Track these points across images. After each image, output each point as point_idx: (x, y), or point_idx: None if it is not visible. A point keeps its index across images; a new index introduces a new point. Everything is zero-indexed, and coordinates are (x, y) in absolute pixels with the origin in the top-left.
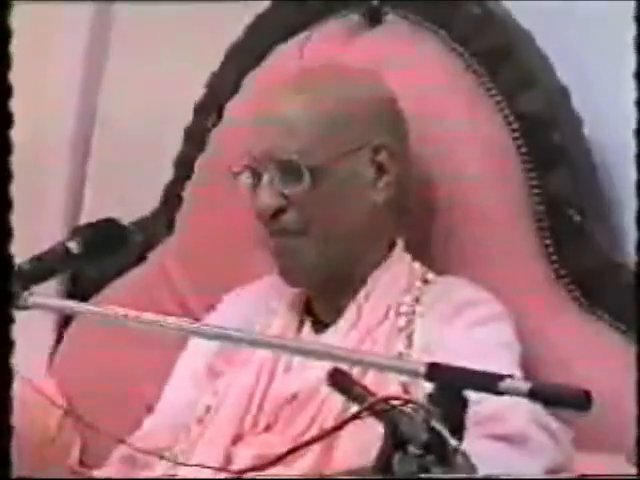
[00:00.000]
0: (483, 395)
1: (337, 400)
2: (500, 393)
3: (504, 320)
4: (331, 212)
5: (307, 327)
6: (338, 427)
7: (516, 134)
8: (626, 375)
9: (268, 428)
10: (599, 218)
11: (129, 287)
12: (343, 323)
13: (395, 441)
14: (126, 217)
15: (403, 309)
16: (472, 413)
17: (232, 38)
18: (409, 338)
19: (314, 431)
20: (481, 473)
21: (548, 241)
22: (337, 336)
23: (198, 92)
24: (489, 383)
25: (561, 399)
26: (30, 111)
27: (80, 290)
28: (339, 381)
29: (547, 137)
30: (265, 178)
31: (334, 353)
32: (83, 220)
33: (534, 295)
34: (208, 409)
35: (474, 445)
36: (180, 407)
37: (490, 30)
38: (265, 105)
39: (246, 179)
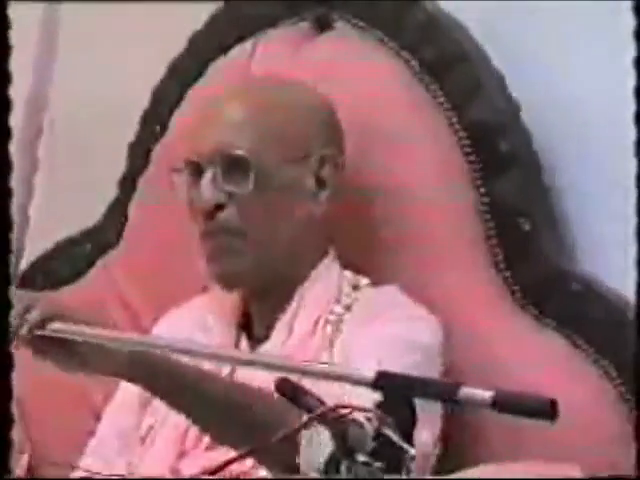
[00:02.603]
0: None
1: None
2: (458, 402)
3: (425, 324)
4: (271, 217)
5: (244, 343)
6: (287, 435)
7: (463, 142)
8: (575, 383)
9: (210, 447)
10: (548, 226)
11: (76, 295)
12: (276, 337)
13: (343, 448)
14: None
15: (332, 318)
16: None
17: (187, 30)
18: (332, 346)
19: None
20: None
21: (497, 250)
22: (271, 350)
23: (150, 86)
24: (446, 392)
25: (526, 408)
26: None
27: None
28: (287, 390)
29: (495, 145)
30: (208, 173)
31: (279, 364)
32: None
33: (483, 305)
34: (150, 428)
35: None
36: (115, 435)
37: (438, 38)
38: (211, 107)
39: (187, 174)
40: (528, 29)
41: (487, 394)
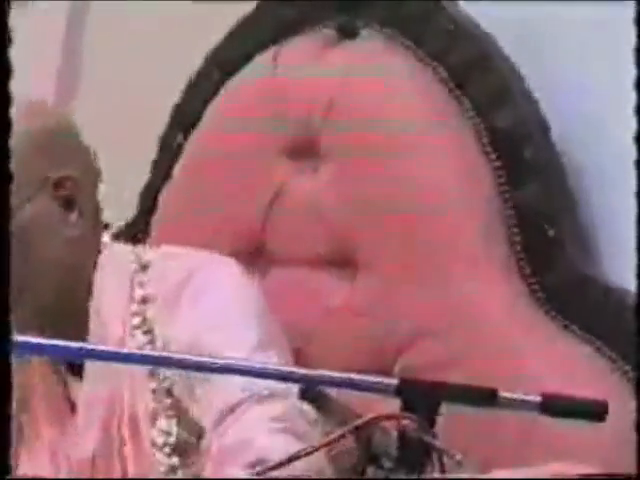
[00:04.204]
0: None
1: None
2: (502, 407)
3: (224, 266)
4: (30, 260)
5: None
6: (321, 446)
7: (488, 149)
8: (597, 388)
9: None
10: (573, 233)
11: None
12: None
13: (368, 454)
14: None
15: (136, 321)
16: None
17: (209, 41)
18: (154, 347)
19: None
20: None
21: (521, 255)
22: (91, 383)
23: (173, 99)
24: (487, 397)
25: (576, 410)
26: None
27: None
28: (316, 399)
29: (519, 151)
30: None
31: (300, 374)
32: None
33: (507, 311)
34: None
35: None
36: None
37: (463, 45)
38: None
39: None
40: (551, 40)
41: (535, 398)
